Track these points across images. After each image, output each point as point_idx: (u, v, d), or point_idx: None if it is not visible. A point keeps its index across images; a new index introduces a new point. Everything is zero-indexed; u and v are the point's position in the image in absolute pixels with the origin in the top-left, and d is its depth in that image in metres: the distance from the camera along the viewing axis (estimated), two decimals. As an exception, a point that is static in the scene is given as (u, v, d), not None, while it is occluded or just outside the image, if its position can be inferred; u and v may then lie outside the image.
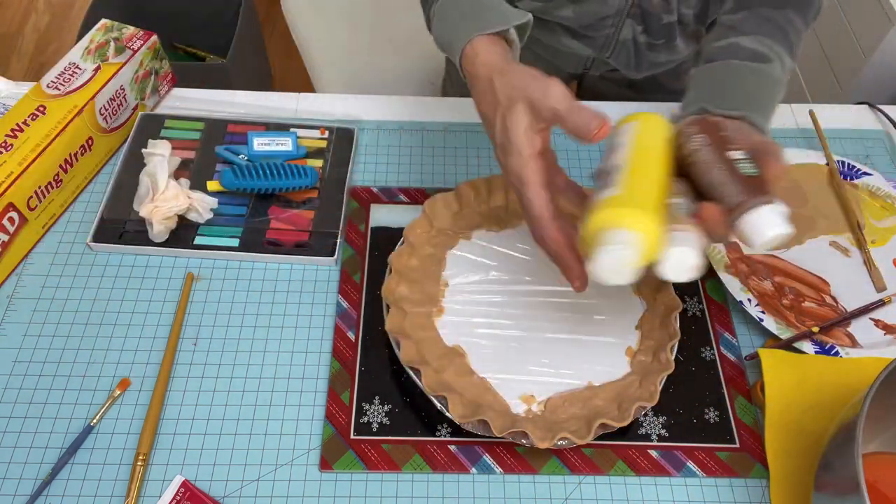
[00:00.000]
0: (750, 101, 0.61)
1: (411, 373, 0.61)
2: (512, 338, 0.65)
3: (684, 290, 0.71)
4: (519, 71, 0.54)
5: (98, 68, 0.76)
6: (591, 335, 0.65)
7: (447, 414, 0.59)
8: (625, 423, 0.58)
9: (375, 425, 0.62)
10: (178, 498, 0.58)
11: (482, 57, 0.56)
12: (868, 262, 0.73)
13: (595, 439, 0.62)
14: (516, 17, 0.58)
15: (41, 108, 0.73)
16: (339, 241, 0.72)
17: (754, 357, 0.66)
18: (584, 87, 0.98)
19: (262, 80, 2.01)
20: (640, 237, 0.48)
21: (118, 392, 0.63)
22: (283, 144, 0.77)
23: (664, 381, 0.61)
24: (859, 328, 0.69)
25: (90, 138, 0.75)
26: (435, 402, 0.60)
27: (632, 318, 0.66)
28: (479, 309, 0.66)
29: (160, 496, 0.58)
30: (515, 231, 0.71)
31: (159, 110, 0.85)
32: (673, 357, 0.62)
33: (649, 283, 0.68)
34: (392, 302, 0.64)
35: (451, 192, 0.71)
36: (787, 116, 0.88)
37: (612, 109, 0.86)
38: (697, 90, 0.64)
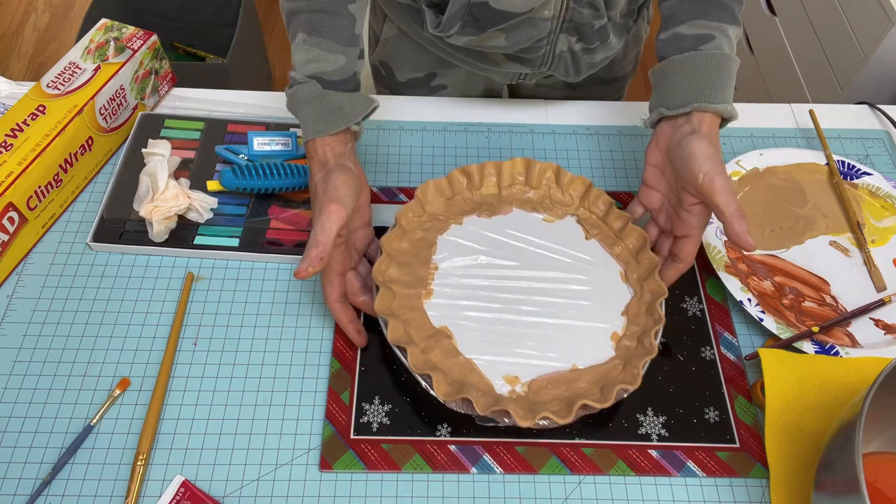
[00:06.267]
0: (699, 89, 0.65)
1: (397, 351, 0.61)
2: (499, 321, 0.65)
3: (684, 289, 0.71)
4: (338, 175, 0.62)
5: (98, 68, 0.76)
6: (578, 320, 0.65)
7: (431, 392, 0.59)
8: (606, 405, 0.58)
9: (375, 425, 0.62)
10: (178, 498, 0.58)
11: (320, 154, 0.64)
12: (868, 262, 0.73)
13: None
14: (361, 111, 0.66)
15: (41, 108, 0.73)
16: (339, 240, 0.72)
17: (754, 357, 0.66)
18: (525, 92, 0.98)
19: (262, 80, 2.01)
20: None
21: (118, 392, 0.63)
22: (283, 144, 0.77)
23: (647, 365, 0.61)
24: (859, 328, 0.69)
25: (90, 138, 0.75)
26: (420, 380, 0.60)
27: (619, 305, 0.67)
28: (468, 292, 0.66)
29: (160, 496, 0.58)
30: (506, 217, 0.71)
31: (159, 110, 0.85)
32: (657, 342, 0.62)
33: (636, 271, 0.68)
34: (382, 283, 0.64)
35: (443, 179, 0.71)
36: (787, 116, 0.88)
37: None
38: (654, 93, 0.70)
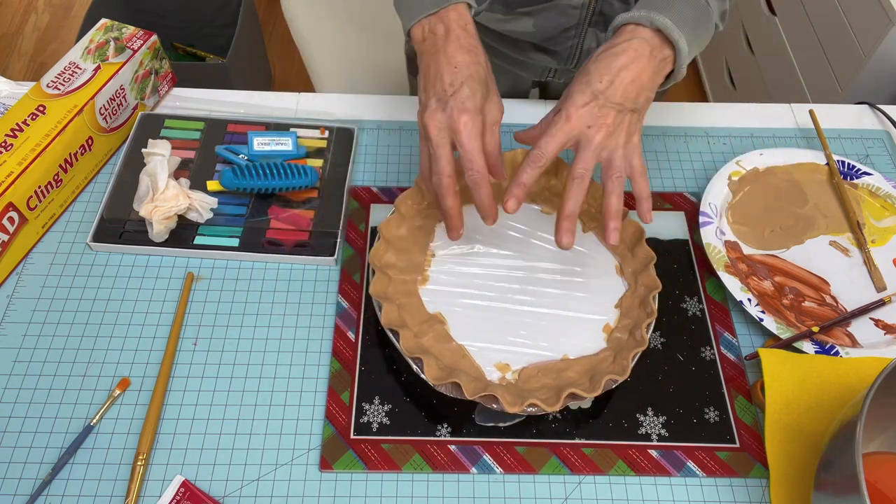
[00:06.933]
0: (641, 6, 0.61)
1: (390, 335, 0.61)
2: (493, 309, 0.65)
3: (684, 289, 0.71)
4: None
5: (98, 68, 0.76)
6: (571, 311, 0.66)
7: (422, 376, 0.59)
8: (595, 395, 0.59)
9: (375, 425, 0.62)
10: (178, 498, 0.58)
11: (470, 22, 0.61)
12: (868, 262, 0.73)
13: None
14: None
15: (41, 108, 0.73)
16: (339, 240, 0.72)
17: (754, 357, 0.66)
18: (549, 94, 0.98)
19: (262, 80, 2.01)
20: None
21: (118, 392, 0.63)
22: (283, 144, 0.77)
23: (637, 357, 0.61)
24: (859, 328, 0.69)
25: (90, 138, 0.75)
26: (411, 363, 0.60)
27: (613, 298, 0.67)
28: (463, 280, 0.67)
29: (160, 496, 0.58)
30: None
31: (159, 110, 0.85)
32: (648, 335, 0.62)
33: (632, 265, 0.68)
34: (378, 268, 0.64)
35: None
36: (787, 116, 0.88)
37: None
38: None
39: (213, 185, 0.74)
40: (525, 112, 0.86)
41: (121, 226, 0.72)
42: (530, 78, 0.89)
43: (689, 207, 0.78)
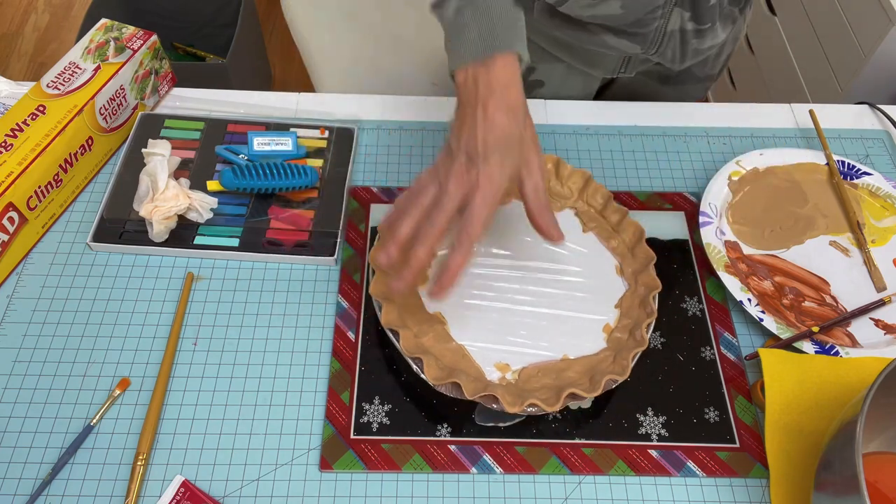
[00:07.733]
0: None
1: (390, 335, 0.61)
2: (493, 309, 0.65)
3: (684, 289, 0.72)
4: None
5: (98, 68, 0.76)
6: (571, 311, 0.66)
7: (422, 376, 0.59)
8: (595, 394, 0.59)
9: (375, 425, 0.62)
10: (178, 498, 0.58)
11: (516, 76, 0.59)
12: (868, 262, 0.73)
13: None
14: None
15: (41, 108, 0.73)
16: (339, 240, 0.72)
17: (754, 357, 0.66)
18: (615, 90, 0.97)
19: (262, 80, 2.01)
20: None
21: (118, 392, 0.63)
22: (283, 144, 0.77)
23: (637, 357, 0.62)
24: (859, 328, 0.69)
25: (90, 138, 0.75)
26: (411, 363, 0.60)
27: (612, 298, 0.67)
28: (463, 280, 0.67)
29: (160, 496, 0.58)
30: (505, 208, 0.72)
31: (159, 110, 0.85)
32: (648, 335, 0.63)
33: (632, 265, 0.68)
34: (378, 268, 0.64)
35: None
36: (787, 116, 0.88)
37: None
38: None
39: (213, 185, 0.74)
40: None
41: (121, 226, 0.72)
42: (601, 75, 0.89)
43: (689, 207, 0.78)
